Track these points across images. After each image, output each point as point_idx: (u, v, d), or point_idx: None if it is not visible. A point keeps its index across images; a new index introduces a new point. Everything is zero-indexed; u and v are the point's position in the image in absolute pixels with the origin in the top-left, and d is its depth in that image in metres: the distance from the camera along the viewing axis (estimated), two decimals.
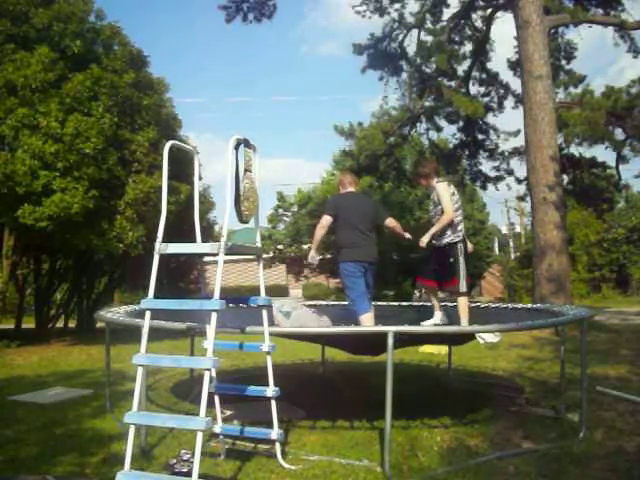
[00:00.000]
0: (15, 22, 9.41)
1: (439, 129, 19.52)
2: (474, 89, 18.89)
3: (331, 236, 5.53)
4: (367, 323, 4.82)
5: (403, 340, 4.16)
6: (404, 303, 7.64)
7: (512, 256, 30.69)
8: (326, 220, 5.05)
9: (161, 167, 3.76)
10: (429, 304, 7.12)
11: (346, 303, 5.63)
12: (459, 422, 4.54)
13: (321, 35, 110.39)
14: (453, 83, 18.34)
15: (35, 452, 3.92)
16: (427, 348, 8.48)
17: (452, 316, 5.25)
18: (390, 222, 5.28)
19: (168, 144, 3.58)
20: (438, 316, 5.14)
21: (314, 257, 5.39)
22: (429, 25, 18.02)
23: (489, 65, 18.89)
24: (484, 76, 18.86)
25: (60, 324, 12.87)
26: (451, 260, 4.71)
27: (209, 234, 12.36)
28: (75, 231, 9.18)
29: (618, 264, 22.96)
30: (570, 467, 3.51)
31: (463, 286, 4.74)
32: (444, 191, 4.77)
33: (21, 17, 9.46)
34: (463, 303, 4.84)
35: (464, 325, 4.77)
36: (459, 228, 4.83)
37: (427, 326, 4.84)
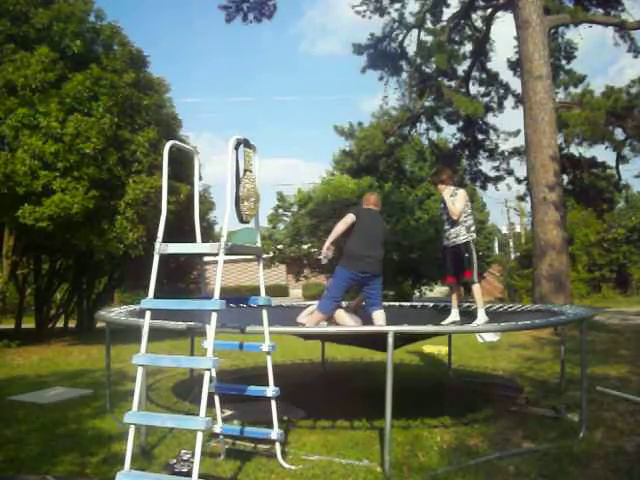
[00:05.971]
0: (15, 22, 9.40)
1: (439, 129, 19.55)
2: (474, 89, 18.94)
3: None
4: (313, 319, 5.10)
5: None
6: (404, 303, 7.63)
7: (512, 256, 30.67)
8: (350, 218, 5.15)
9: (161, 167, 3.75)
10: (429, 304, 7.15)
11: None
12: (459, 422, 4.54)
13: (320, 33, 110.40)
14: (453, 83, 18.34)
15: (35, 452, 3.92)
16: (427, 348, 8.48)
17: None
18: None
19: (168, 144, 3.58)
20: (455, 313, 5.60)
21: (327, 252, 5.25)
22: (429, 25, 18.04)
23: (489, 65, 18.93)
24: (484, 76, 18.87)
25: (60, 324, 12.87)
26: (466, 255, 5.37)
27: (209, 234, 12.35)
28: (75, 231, 9.19)
29: (618, 264, 22.94)
30: (570, 467, 3.51)
31: (475, 277, 5.45)
32: (462, 197, 5.49)
33: (21, 17, 9.45)
34: (477, 290, 5.49)
35: (480, 308, 5.33)
36: (472, 229, 5.49)
37: (447, 324, 5.41)
